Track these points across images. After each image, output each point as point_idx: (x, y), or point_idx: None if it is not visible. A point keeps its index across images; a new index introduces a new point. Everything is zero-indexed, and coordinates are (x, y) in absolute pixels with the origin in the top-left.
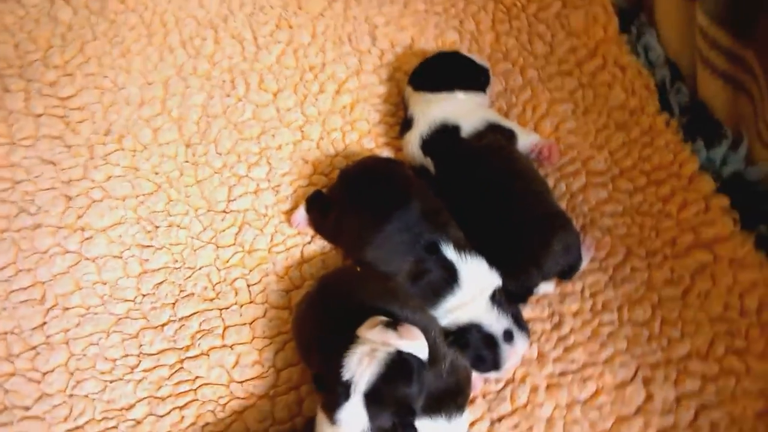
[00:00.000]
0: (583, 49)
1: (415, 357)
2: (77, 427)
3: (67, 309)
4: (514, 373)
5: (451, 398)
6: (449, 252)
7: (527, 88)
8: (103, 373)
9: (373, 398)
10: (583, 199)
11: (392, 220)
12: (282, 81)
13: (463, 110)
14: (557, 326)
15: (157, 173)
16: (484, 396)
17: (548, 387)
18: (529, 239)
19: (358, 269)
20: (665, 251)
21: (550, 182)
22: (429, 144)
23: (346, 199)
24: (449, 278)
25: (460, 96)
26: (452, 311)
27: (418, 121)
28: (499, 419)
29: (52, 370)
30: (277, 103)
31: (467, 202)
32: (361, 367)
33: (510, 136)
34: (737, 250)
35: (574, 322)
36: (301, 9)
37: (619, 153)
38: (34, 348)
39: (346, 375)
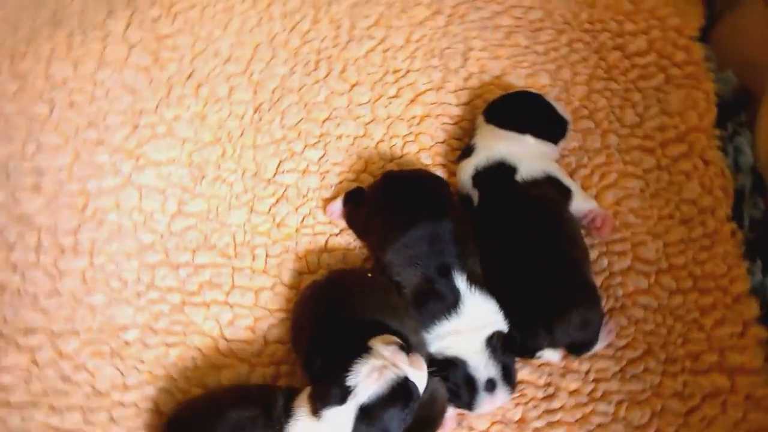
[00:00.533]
0: (672, 131)
1: (416, 388)
2: (74, 331)
3: (102, 223)
4: (489, 427)
5: (420, 428)
6: (460, 280)
7: (602, 153)
8: (112, 290)
9: (367, 413)
10: (620, 282)
11: (418, 228)
12: (363, 75)
13: (527, 155)
14: (549, 398)
15: (220, 127)
16: None
17: None
18: (549, 300)
19: (369, 275)
20: (685, 363)
21: (593, 254)
22: (481, 176)
23: (383, 197)
24: (451, 305)
25: (530, 141)
26: (443, 339)
27: (479, 151)
28: None
29: (70, 273)
30: (351, 94)
31: (500, 244)
32: (369, 380)
33: (566, 194)
34: (758, 388)
35: (568, 401)
36: (405, 13)
37: (673, 248)
38: (61, 248)
39: (351, 380)
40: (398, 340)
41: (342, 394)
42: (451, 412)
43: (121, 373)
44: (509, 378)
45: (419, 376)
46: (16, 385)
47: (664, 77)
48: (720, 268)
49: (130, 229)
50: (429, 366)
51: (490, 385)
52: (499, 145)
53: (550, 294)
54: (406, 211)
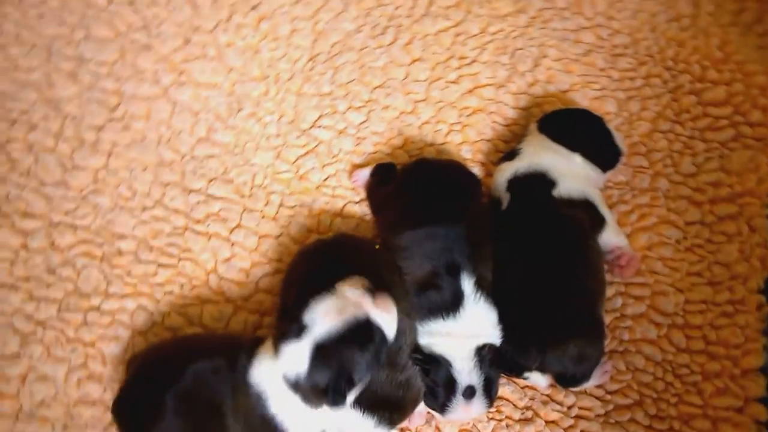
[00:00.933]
0: (725, 189)
1: (379, 331)
2: (72, 225)
3: (127, 128)
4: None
5: (389, 409)
6: (467, 283)
7: (648, 195)
8: (120, 196)
9: (321, 351)
10: (629, 327)
11: (437, 225)
12: (427, 53)
13: (571, 173)
14: (525, 421)
15: (270, 66)
16: None
17: None
18: (551, 324)
19: (377, 247)
20: (674, 423)
21: (610, 291)
22: (518, 182)
23: (410, 182)
24: (451, 305)
25: (578, 160)
26: (434, 336)
27: (523, 157)
28: None
29: (84, 168)
30: (410, 68)
31: (518, 254)
32: (325, 318)
33: (599, 223)
34: None
35: (543, 430)
36: (489, 3)
37: (694, 306)
38: (81, 141)
39: (306, 317)
40: (367, 282)
41: (298, 330)
42: (422, 408)
43: (107, 280)
44: (489, 391)
45: (386, 318)
46: (2, 265)
47: (734, 133)
48: (736, 338)
49: (153, 141)
50: (414, 354)
51: (469, 393)
52: (546, 156)
53: (554, 317)
54: (429, 204)
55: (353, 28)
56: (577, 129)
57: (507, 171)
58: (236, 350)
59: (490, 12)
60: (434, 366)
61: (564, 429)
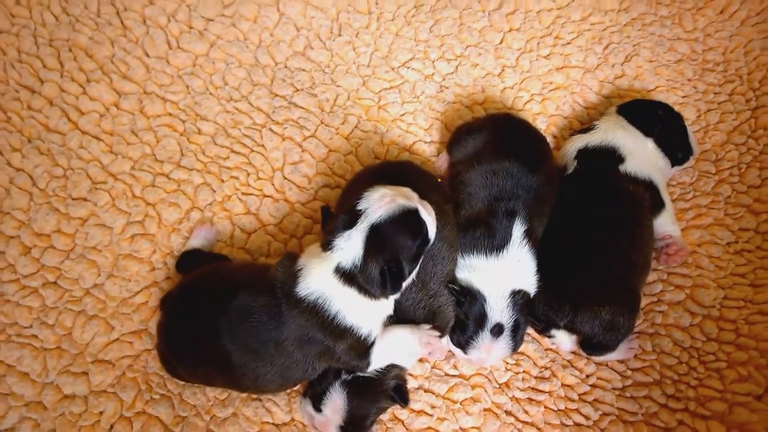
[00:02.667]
0: None
1: (426, 225)
2: (163, 97)
3: (234, 26)
4: (472, 375)
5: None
6: (518, 229)
7: (708, 198)
8: (211, 83)
9: (378, 232)
10: (663, 311)
11: (509, 164)
12: (526, 26)
13: (640, 155)
14: (541, 379)
15: (377, 4)
16: (433, 367)
17: (486, 410)
18: (590, 285)
19: (440, 180)
20: (689, 404)
21: (653, 276)
22: (587, 153)
23: (495, 125)
24: (498, 245)
25: (649, 145)
26: (474, 271)
27: (597, 132)
28: (428, 391)
29: (187, 51)
30: (506, 35)
31: (573, 216)
32: (380, 203)
33: (658, 206)
34: None
35: (557, 390)
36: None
37: (732, 302)
38: (191, 27)
39: (361, 204)
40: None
41: (352, 219)
42: (444, 343)
43: (182, 153)
44: (516, 334)
45: (429, 217)
46: (92, 115)
47: None
48: None
49: (254, 44)
50: (450, 285)
51: (497, 330)
52: (619, 134)
53: (593, 280)
54: (510, 145)
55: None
56: (655, 117)
57: (578, 141)
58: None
59: (594, 4)
60: (469, 298)
61: (579, 394)
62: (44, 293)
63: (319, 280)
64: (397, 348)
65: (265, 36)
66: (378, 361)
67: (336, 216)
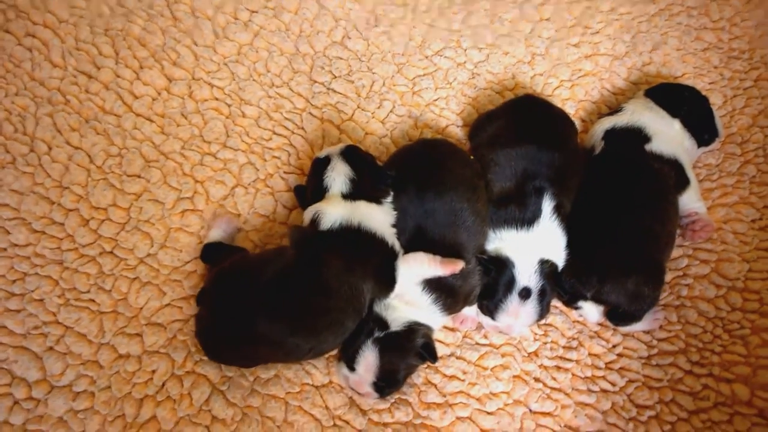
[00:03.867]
0: None
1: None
2: (210, 83)
3: (277, 17)
4: (502, 345)
5: (445, 293)
6: (547, 204)
7: (734, 177)
8: (255, 70)
9: (350, 151)
10: (689, 284)
11: (534, 147)
12: (556, 16)
13: (666, 135)
14: (569, 348)
15: None
16: (464, 336)
17: (515, 377)
18: (616, 257)
19: (472, 158)
20: (714, 369)
21: (678, 252)
22: (615, 133)
23: (518, 108)
24: (528, 219)
25: (676, 126)
26: (504, 241)
27: (624, 114)
28: (460, 358)
29: (232, 40)
30: (537, 25)
31: (600, 192)
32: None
33: (683, 183)
34: None
35: (585, 359)
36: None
37: (756, 274)
38: (236, 18)
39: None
40: None
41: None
42: (473, 312)
43: (227, 134)
44: (542, 299)
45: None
46: (145, 99)
47: None
48: None
49: (294, 34)
50: (481, 256)
51: (525, 293)
52: (647, 115)
53: (619, 252)
54: (531, 128)
55: None
56: (681, 99)
57: (606, 123)
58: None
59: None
60: (497, 266)
61: (605, 362)
62: (101, 261)
63: (334, 210)
64: (415, 265)
65: (306, 27)
66: (403, 277)
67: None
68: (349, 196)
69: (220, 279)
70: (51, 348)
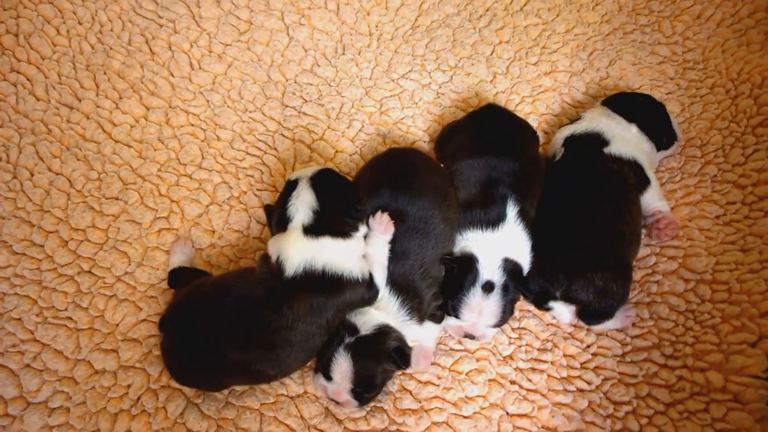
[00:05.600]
0: (764, 188)
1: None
2: (186, 111)
3: (249, 50)
4: (477, 349)
5: (411, 294)
6: (511, 208)
7: (696, 178)
8: (229, 98)
9: (320, 179)
10: (658, 281)
11: (494, 156)
12: (515, 38)
13: (624, 138)
14: (544, 350)
15: (377, 26)
16: (439, 343)
17: (491, 380)
18: (581, 254)
19: (442, 165)
20: (687, 360)
21: (645, 251)
22: (574, 140)
23: (478, 119)
24: (493, 221)
25: (633, 129)
26: (470, 241)
27: (582, 122)
28: (434, 364)
29: (207, 71)
30: (497, 47)
31: (562, 195)
32: (302, 170)
33: (643, 183)
34: (748, 391)
35: (560, 360)
36: (578, 12)
37: (723, 266)
38: (211, 51)
39: (289, 178)
40: None
41: (288, 189)
42: (430, 348)
43: (203, 156)
44: (505, 294)
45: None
46: (124, 126)
47: None
48: (759, 287)
49: (266, 63)
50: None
51: (488, 287)
52: (604, 121)
53: (584, 249)
54: (494, 138)
55: (454, 12)
56: (637, 104)
57: (566, 131)
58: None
59: (577, 18)
60: (463, 261)
61: (580, 362)
62: (79, 280)
63: (297, 250)
64: (378, 253)
65: (277, 57)
66: (381, 279)
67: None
68: (312, 230)
69: (181, 306)
70: (28, 365)
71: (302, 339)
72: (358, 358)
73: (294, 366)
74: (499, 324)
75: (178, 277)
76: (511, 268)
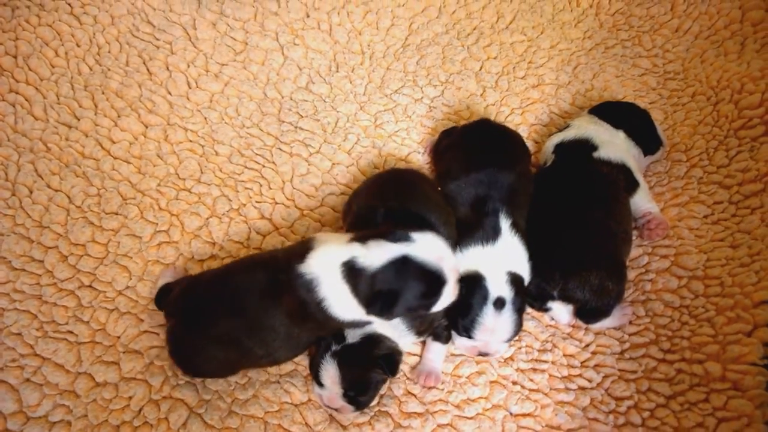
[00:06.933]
0: (753, 173)
1: (440, 295)
2: (184, 127)
3: (245, 69)
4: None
5: (419, 317)
6: (504, 221)
7: (683, 181)
8: (226, 114)
9: (404, 264)
10: (652, 279)
11: (485, 171)
12: (502, 55)
13: (612, 144)
14: (544, 351)
15: (369, 46)
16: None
17: (492, 382)
18: (576, 254)
19: (439, 189)
20: (685, 353)
21: (637, 251)
22: (563, 147)
23: (469, 135)
24: (490, 236)
25: (621, 135)
26: (472, 258)
27: (571, 129)
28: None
29: (204, 90)
30: (485, 63)
31: (554, 199)
32: (426, 247)
33: (632, 185)
34: (747, 378)
35: (560, 360)
36: (562, 29)
37: (714, 262)
38: (208, 70)
39: (412, 234)
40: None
41: (400, 237)
42: (438, 364)
43: (201, 170)
44: (517, 306)
45: (447, 297)
46: (123, 143)
47: (765, 129)
48: (750, 279)
49: (262, 81)
50: None
51: (500, 303)
52: (592, 128)
53: (579, 250)
54: (481, 155)
55: (442, 31)
56: (623, 112)
57: (555, 138)
58: (274, 259)
59: (560, 34)
60: (469, 280)
61: (580, 361)
62: (80, 294)
63: (324, 264)
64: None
65: (272, 75)
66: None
67: (389, 223)
68: (350, 271)
69: (190, 286)
70: (28, 379)
71: (286, 334)
72: (343, 363)
73: (282, 354)
74: (512, 338)
75: (165, 295)
76: (515, 280)
